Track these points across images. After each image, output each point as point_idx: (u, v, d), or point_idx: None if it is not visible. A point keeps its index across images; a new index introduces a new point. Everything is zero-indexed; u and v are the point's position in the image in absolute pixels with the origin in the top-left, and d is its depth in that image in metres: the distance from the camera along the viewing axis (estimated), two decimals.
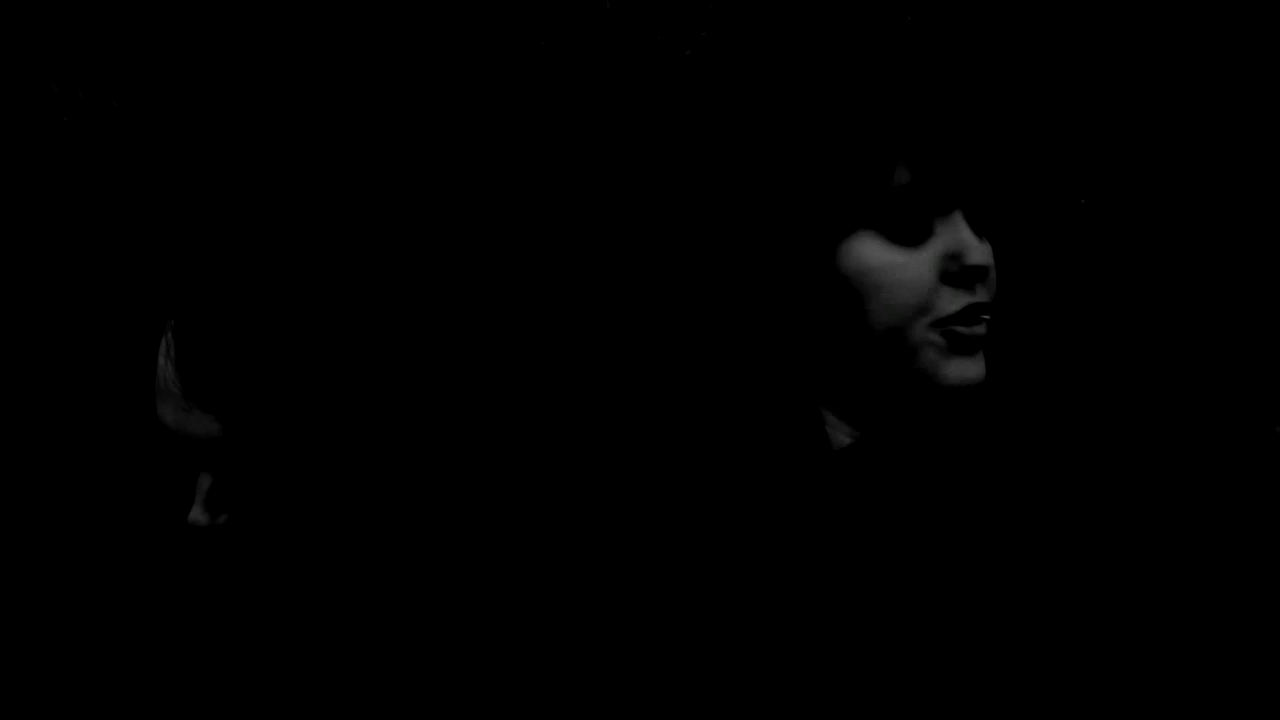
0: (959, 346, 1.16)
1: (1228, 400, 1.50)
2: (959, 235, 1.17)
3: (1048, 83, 1.55)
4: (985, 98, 1.18)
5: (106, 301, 1.54)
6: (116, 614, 1.41)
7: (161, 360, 1.15)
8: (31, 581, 1.47)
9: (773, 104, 1.22)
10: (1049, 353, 1.54)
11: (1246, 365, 1.52)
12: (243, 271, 1.18)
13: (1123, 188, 1.56)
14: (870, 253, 1.16)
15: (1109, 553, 1.17)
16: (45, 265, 1.54)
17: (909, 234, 1.16)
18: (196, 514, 1.15)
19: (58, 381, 1.54)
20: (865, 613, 1.15)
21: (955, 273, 1.16)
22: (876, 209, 1.16)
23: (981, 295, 1.17)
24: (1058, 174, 1.57)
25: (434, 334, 1.19)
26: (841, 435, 1.22)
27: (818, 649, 1.15)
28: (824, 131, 1.19)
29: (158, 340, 1.48)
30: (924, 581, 1.16)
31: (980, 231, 1.20)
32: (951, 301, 1.16)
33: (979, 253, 1.17)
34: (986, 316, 1.17)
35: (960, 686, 1.13)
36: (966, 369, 1.17)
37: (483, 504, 1.20)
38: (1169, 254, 1.55)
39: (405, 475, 1.16)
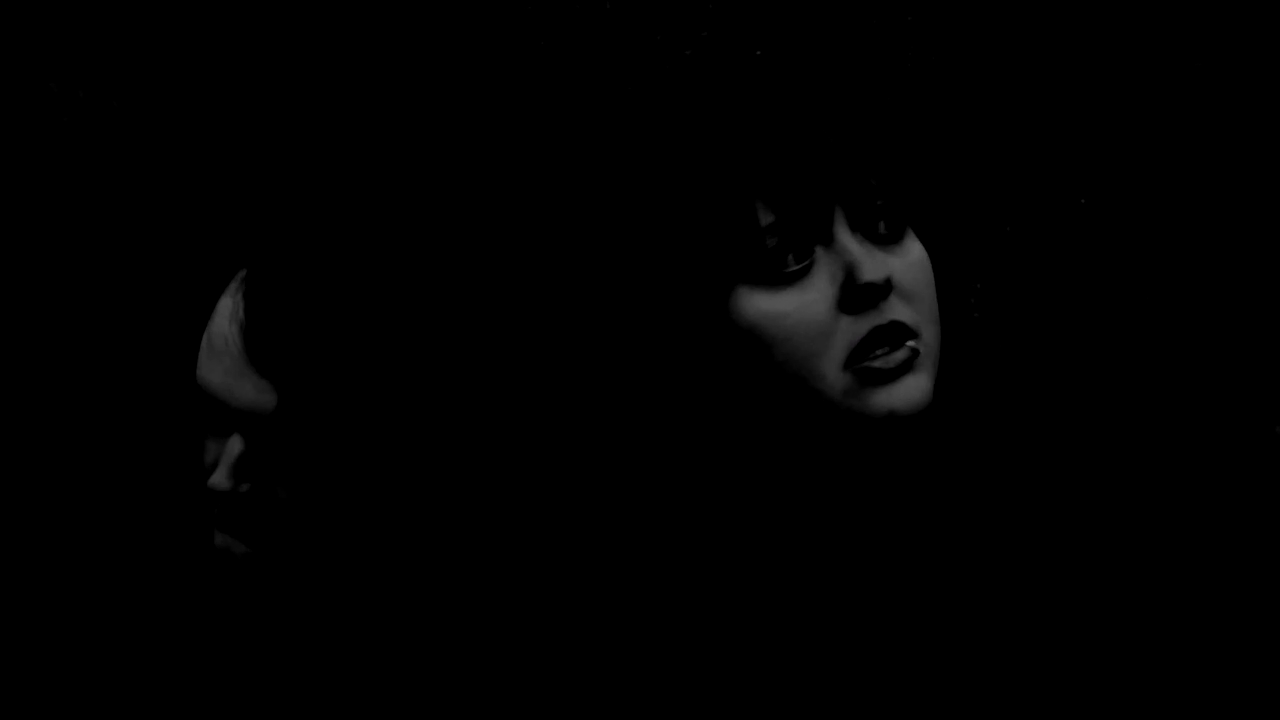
0: (877, 380, 1.09)
1: (1228, 400, 1.50)
2: (846, 257, 1.10)
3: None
4: (826, 109, 1.13)
5: (105, 301, 1.54)
6: (122, 585, 1.40)
7: (222, 321, 1.13)
8: (43, 543, 1.47)
9: (625, 172, 1.16)
10: (1048, 353, 1.54)
11: (1246, 365, 1.52)
12: (326, 242, 1.15)
13: (1122, 188, 1.56)
14: (755, 306, 1.10)
15: (1109, 553, 1.17)
16: (45, 266, 1.54)
17: (791, 274, 1.10)
18: (220, 478, 1.12)
19: (57, 381, 1.54)
20: (855, 628, 1.15)
21: (850, 297, 1.09)
22: (749, 258, 1.09)
23: (892, 312, 1.10)
24: (1050, 176, 1.57)
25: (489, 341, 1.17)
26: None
27: (806, 661, 1.14)
28: (674, 189, 1.12)
29: (154, 338, 1.48)
30: (922, 586, 1.16)
31: (886, 238, 1.13)
32: (853, 329, 1.09)
33: (870, 268, 1.09)
34: (911, 343, 1.10)
35: (959, 687, 1.13)
36: (893, 397, 1.10)
37: (520, 511, 1.19)
38: (1168, 254, 1.55)
39: (447, 469, 1.14)
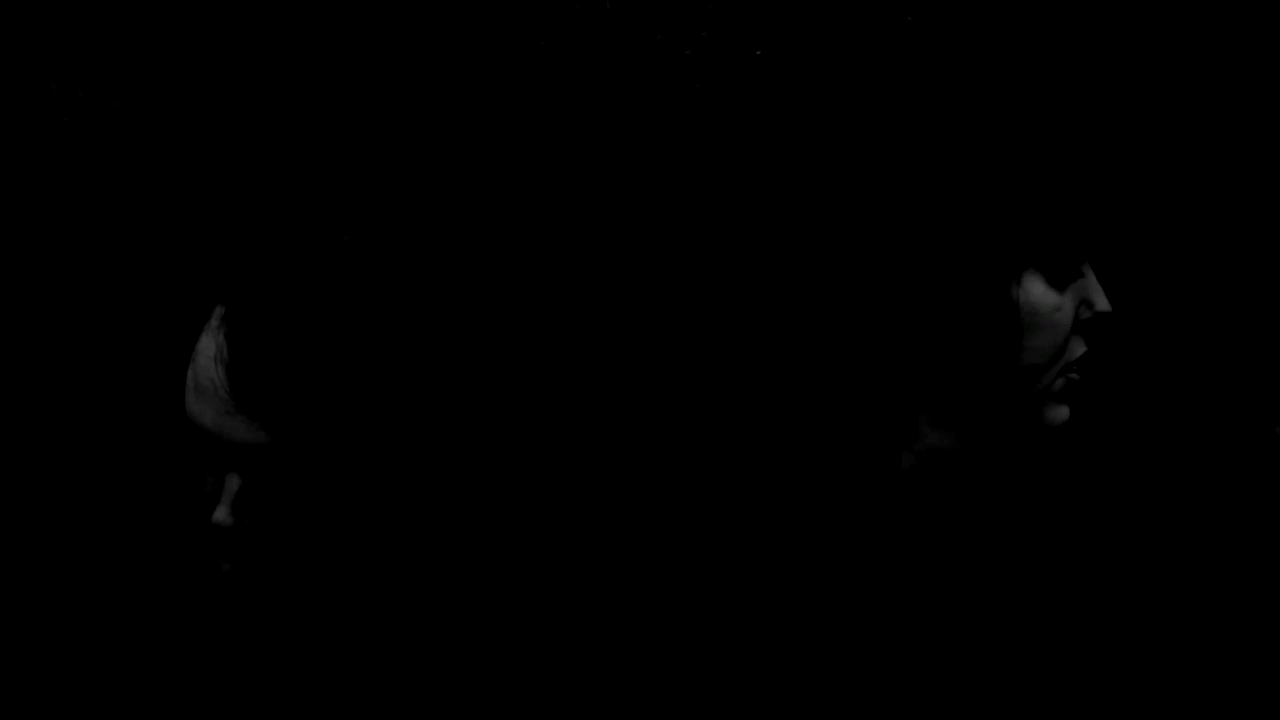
0: (1065, 393, 1.17)
1: (1228, 400, 1.50)
2: (1089, 281, 1.17)
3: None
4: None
5: (106, 301, 1.54)
6: (124, 613, 1.40)
7: (208, 362, 1.11)
8: (40, 574, 1.47)
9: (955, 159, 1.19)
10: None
11: (1246, 365, 1.52)
12: (308, 282, 1.14)
13: (1123, 188, 1.56)
14: (1038, 293, 1.15)
15: (1109, 552, 1.17)
16: (45, 265, 1.54)
17: (1064, 277, 1.16)
18: (222, 514, 1.12)
19: (59, 381, 1.54)
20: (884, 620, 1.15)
21: (1084, 320, 1.17)
22: (1048, 250, 1.15)
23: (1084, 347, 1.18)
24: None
25: (483, 356, 1.16)
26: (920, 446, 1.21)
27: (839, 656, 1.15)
28: (1004, 181, 1.16)
29: (155, 340, 1.47)
30: (931, 576, 1.16)
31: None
32: (1077, 348, 1.17)
33: (1104, 299, 1.17)
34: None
35: (962, 684, 1.13)
36: (1062, 412, 1.18)
37: (529, 531, 1.18)
38: (1169, 254, 1.55)
39: (446, 492, 1.14)
